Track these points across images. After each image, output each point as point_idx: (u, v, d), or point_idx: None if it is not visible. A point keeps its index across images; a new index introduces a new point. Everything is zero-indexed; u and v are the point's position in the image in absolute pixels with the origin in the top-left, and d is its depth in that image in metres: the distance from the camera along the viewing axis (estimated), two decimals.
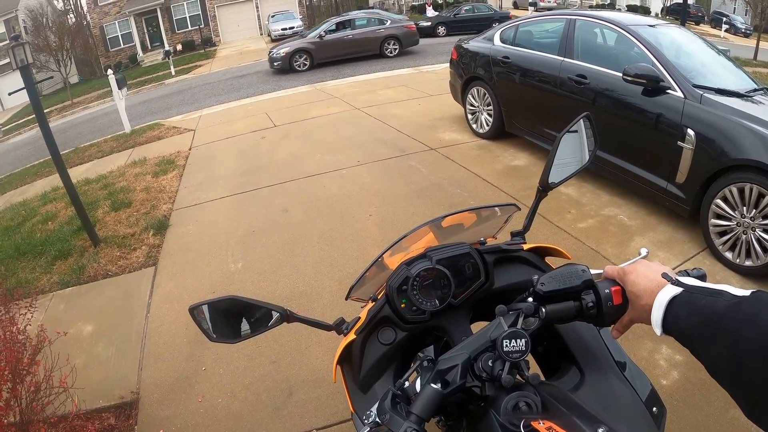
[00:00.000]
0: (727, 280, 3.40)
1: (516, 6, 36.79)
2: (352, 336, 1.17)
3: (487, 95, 5.97)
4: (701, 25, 41.36)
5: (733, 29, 39.32)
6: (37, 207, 6.85)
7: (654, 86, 4.03)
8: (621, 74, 4.20)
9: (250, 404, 2.60)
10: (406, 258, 1.16)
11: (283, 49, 15.56)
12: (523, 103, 5.48)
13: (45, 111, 6.48)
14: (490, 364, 0.87)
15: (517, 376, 0.87)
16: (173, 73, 21.39)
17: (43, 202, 7.01)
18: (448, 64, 6.87)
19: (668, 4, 38.15)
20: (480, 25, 22.17)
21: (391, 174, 5.33)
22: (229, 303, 1.10)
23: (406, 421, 0.80)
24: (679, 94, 3.93)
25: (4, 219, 6.91)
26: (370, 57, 16.03)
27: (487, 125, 6.03)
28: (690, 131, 3.77)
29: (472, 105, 6.31)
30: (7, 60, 30.56)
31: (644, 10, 41.53)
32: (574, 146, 1.34)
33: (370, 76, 11.77)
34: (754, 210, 3.43)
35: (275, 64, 15.50)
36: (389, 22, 17.13)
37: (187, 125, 9.46)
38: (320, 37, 15.91)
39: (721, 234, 3.69)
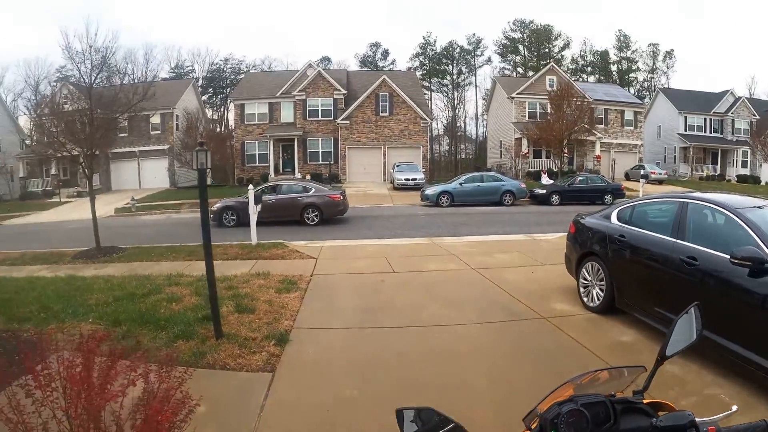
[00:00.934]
0: None
1: (627, 178, 37.13)
2: None
3: (600, 271, 6.15)
4: None
5: None
6: (161, 285, 7.66)
7: (759, 268, 4.08)
8: (729, 257, 4.29)
9: None
10: (557, 400, 1.54)
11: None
12: (635, 281, 5.62)
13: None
14: None
15: None
16: None
17: (168, 283, 7.83)
18: (559, 234, 7.09)
19: None
20: (593, 195, 22.88)
21: (503, 336, 5.53)
22: (427, 413, 1.56)
23: None
24: None
25: (131, 286, 7.73)
26: (489, 210, 17.55)
27: (598, 299, 6.11)
28: None
29: (585, 279, 6.47)
30: (155, 147, 35.97)
31: (754, 180, 40.60)
32: (685, 326, 1.70)
33: (487, 237, 12.34)
34: None
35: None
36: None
37: (309, 252, 10.29)
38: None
39: None
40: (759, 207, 5.02)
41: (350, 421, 3.78)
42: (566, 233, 7.29)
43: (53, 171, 37.17)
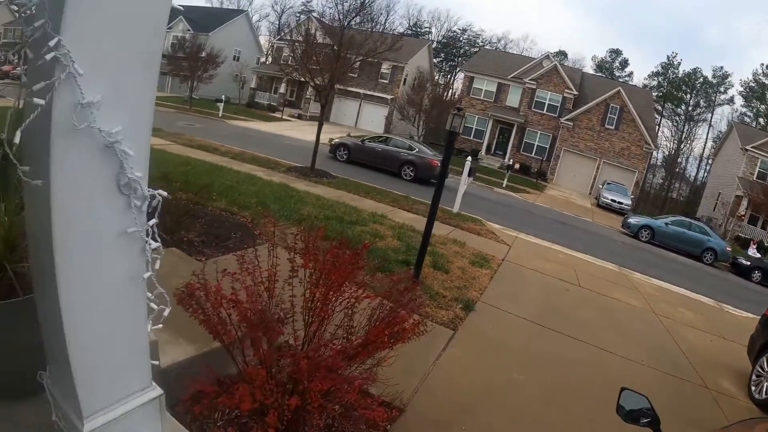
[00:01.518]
0: None
1: None
2: None
3: None
4: None
5: None
6: (366, 219, 8.84)
7: None
8: None
9: None
10: None
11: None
12: None
13: None
14: None
15: None
16: (504, 185, 24.28)
17: (372, 220, 9.03)
18: (749, 314, 6.88)
19: None
20: None
21: (663, 386, 5.80)
22: (641, 399, 2.27)
23: None
24: None
25: (339, 210, 9.12)
26: (684, 261, 17.93)
27: (767, 394, 6.05)
28: None
29: (762, 369, 6.32)
30: (379, 94, 40.12)
31: None
32: None
33: (675, 288, 12.22)
34: None
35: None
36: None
37: (504, 238, 11.28)
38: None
39: None
40: None
41: (506, 399, 4.35)
42: (759, 316, 7.23)
43: (281, 90, 43.29)
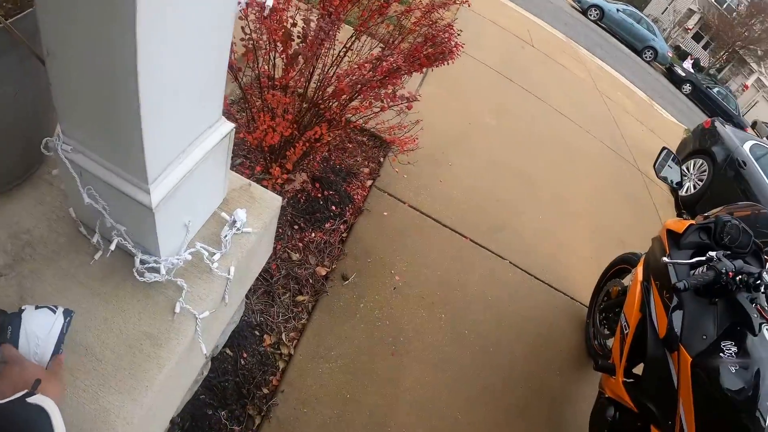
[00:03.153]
0: None
1: (754, 126, 34.17)
2: (691, 222, 2.39)
3: (706, 173, 6.40)
4: None
5: None
6: None
7: None
8: None
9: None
10: (730, 216, 2.25)
11: None
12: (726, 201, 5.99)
13: None
14: None
15: None
16: None
17: None
18: (674, 120, 6.99)
19: None
20: (717, 112, 21.12)
21: (607, 160, 6.04)
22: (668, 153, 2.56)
23: None
24: None
25: None
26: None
27: (694, 189, 6.39)
28: None
29: (687, 169, 6.70)
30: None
31: None
32: None
33: (618, 75, 12.07)
34: None
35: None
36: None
37: None
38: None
39: None
40: None
41: (481, 140, 4.45)
42: (683, 124, 7.68)
43: None
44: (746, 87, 33.05)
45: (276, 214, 1.62)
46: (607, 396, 2.29)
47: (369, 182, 3.19)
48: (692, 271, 2.07)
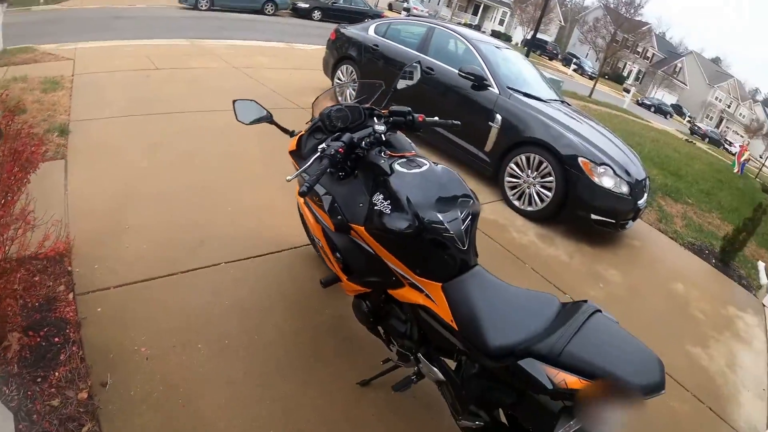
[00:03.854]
0: (514, 221, 5.20)
1: (390, 8, 39.29)
2: (301, 132, 2.77)
3: (354, 73, 7.35)
4: (553, 60, 47.77)
5: (581, 70, 46.19)
6: None
7: (479, 83, 5.63)
8: (457, 71, 5.76)
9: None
10: (330, 105, 2.46)
11: None
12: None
13: None
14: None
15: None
16: (41, 1, 20.22)
17: None
18: (316, 46, 8.02)
19: (528, 37, 43.39)
20: (354, 17, 23.91)
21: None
22: (248, 103, 2.78)
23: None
24: (496, 90, 5.65)
25: None
26: (250, 18, 18.47)
27: (350, 99, 7.21)
28: (498, 116, 5.52)
29: (339, 79, 7.58)
30: None
31: (506, 38, 46.36)
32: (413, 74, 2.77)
33: (247, 42, 12.76)
34: (535, 172, 5.12)
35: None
36: None
37: (64, 54, 9.63)
38: None
39: (512, 188, 5.39)
40: (496, 47, 6.52)
41: (145, 188, 4.41)
42: (323, 45, 8.27)
43: None
44: None
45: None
46: (354, 296, 2.56)
47: (70, 295, 3.07)
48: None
